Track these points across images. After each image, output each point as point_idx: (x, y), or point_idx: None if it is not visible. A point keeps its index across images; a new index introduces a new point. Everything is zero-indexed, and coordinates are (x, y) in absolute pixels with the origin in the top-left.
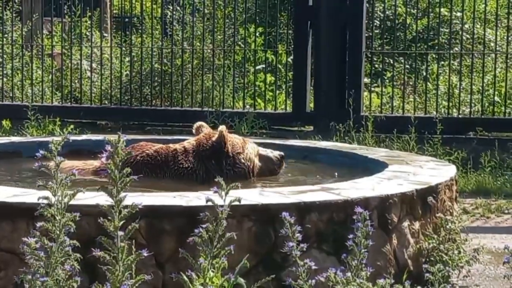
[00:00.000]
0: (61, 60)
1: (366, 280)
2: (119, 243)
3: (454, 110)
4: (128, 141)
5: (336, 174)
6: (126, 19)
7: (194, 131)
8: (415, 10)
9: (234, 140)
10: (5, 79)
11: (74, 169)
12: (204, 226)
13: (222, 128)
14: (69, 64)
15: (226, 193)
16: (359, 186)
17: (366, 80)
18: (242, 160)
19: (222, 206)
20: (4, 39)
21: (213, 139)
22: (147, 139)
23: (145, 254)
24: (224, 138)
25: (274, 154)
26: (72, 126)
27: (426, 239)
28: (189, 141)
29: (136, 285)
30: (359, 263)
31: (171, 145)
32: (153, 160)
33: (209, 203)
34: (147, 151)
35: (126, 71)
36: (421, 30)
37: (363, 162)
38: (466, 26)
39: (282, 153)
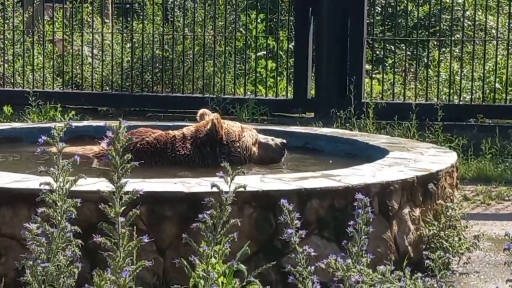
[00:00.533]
0: (62, 46)
1: (367, 267)
2: (120, 229)
3: (455, 97)
4: (129, 127)
5: (331, 161)
6: (127, 5)
7: (198, 118)
8: None
9: (230, 128)
10: (6, 65)
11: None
12: (208, 212)
13: (214, 116)
14: (70, 50)
15: (232, 179)
16: (360, 173)
17: (367, 66)
18: (238, 149)
19: (227, 192)
20: (6, 25)
21: (208, 127)
22: (148, 125)
23: (146, 240)
24: (215, 126)
25: (275, 141)
26: (73, 112)
27: (427, 225)
28: (189, 128)
29: (137, 271)
30: (359, 250)
31: (171, 132)
32: (152, 147)
33: (214, 189)
34: (147, 139)
35: (127, 57)
36: (422, 17)
37: (364, 148)
38: (468, 12)
39: (284, 140)
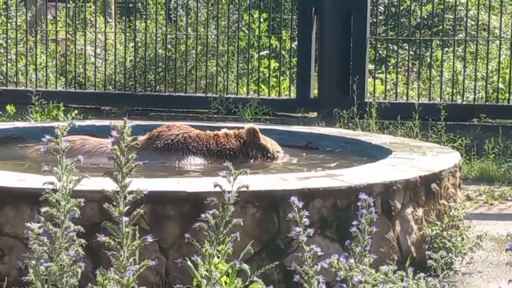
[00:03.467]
0: (65, 46)
1: (369, 267)
2: (123, 229)
3: (458, 96)
4: (133, 127)
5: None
6: (130, 4)
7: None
8: None
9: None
10: (9, 64)
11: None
12: (210, 212)
13: (250, 125)
14: (73, 50)
15: (235, 179)
16: (362, 172)
17: (370, 66)
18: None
19: (229, 192)
20: (9, 24)
21: (246, 134)
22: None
23: (150, 240)
24: (255, 134)
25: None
26: (76, 112)
27: (430, 225)
28: (227, 131)
29: (141, 270)
30: (362, 250)
31: (208, 131)
32: (195, 141)
33: (216, 189)
34: (189, 133)
35: (130, 56)
36: (425, 16)
37: (367, 148)
38: (471, 12)
39: None
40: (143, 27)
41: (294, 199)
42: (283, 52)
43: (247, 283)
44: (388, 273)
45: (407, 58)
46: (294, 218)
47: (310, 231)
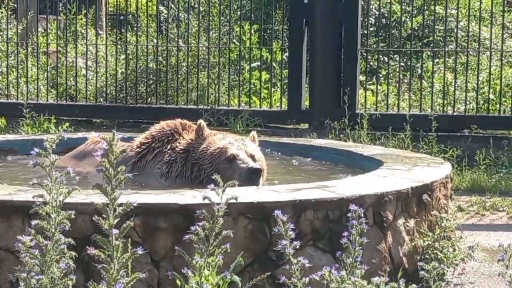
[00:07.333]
0: (56, 58)
1: (361, 278)
2: (113, 241)
3: (449, 107)
4: (123, 139)
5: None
6: (121, 17)
7: None
8: (410, 8)
9: None
10: (0, 77)
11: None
12: (200, 224)
13: None
14: (64, 62)
15: (223, 191)
16: (354, 184)
17: (361, 77)
18: None
19: (218, 203)
20: (0, 37)
21: None
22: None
23: (140, 252)
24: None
25: None
26: (67, 124)
27: (421, 236)
28: None
29: (131, 283)
30: (354, 261)
31: None
32: None
33: (206, 201)
34: None
35: (121, 68)
36: (416, 28)
37: (358, 160)
38: (461, 23)
39: None
40: (134, 39)
41: (278, 212)
42: (274, 64)
43: None
44: (380, 285)
45: (398, 69)
46: (279, 231)
47: (297, 243)
